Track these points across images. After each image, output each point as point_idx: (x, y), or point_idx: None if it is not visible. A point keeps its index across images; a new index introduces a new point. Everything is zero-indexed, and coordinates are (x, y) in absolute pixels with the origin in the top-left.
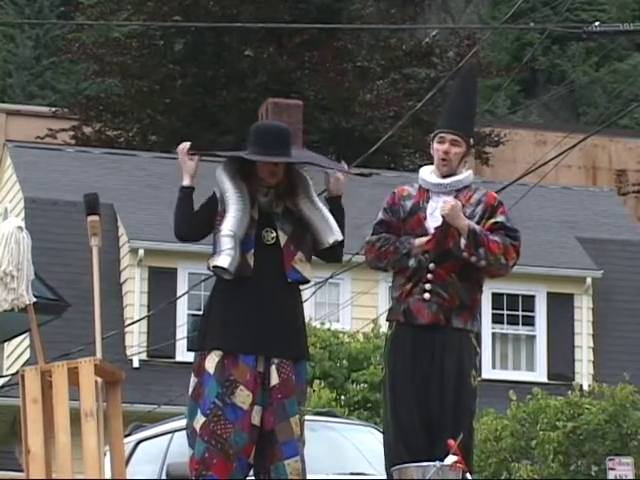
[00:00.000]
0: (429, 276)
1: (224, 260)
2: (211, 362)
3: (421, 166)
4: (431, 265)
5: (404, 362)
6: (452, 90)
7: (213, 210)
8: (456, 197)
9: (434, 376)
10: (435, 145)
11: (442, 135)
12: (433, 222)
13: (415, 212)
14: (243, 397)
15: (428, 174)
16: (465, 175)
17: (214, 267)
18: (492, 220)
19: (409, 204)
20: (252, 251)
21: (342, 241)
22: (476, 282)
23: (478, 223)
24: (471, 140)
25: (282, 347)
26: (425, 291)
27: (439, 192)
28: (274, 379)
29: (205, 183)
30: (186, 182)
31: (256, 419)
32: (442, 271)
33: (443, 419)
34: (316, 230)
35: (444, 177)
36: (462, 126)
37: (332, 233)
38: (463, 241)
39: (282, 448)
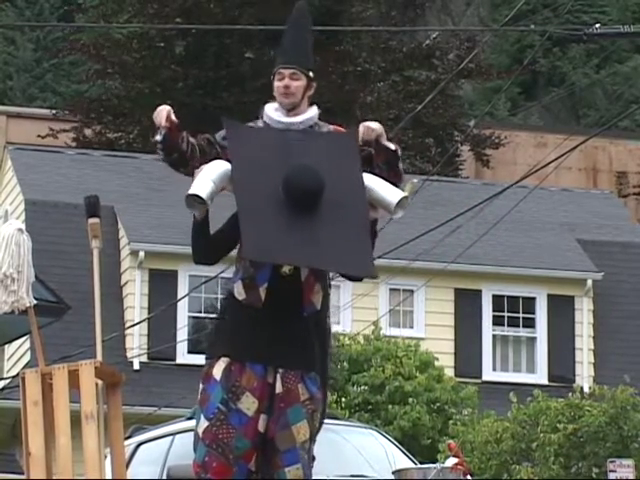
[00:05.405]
0: None
1: (202, 188)
2: (218, 369)
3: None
4: None
5: None
6: (286, 28)
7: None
8: None
9: None
10: (275, 83)
11: (281, 71)
12: None
13: None
14: (248, 403)
15: (275, 112)
16: (314, 113)
17: (188, 196)
18: None
19: None
20: (265, 285)
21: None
22: None
23: None
24: (310, 73)
25: (289, 358)
26: None
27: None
28: (278, 388)
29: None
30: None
31: (262, 426)
32: None
33: None
34: (378, 196)
35: (291, 114)
36: (299, 60)
37: (395, 190)
38: None
39: (283, 456)
